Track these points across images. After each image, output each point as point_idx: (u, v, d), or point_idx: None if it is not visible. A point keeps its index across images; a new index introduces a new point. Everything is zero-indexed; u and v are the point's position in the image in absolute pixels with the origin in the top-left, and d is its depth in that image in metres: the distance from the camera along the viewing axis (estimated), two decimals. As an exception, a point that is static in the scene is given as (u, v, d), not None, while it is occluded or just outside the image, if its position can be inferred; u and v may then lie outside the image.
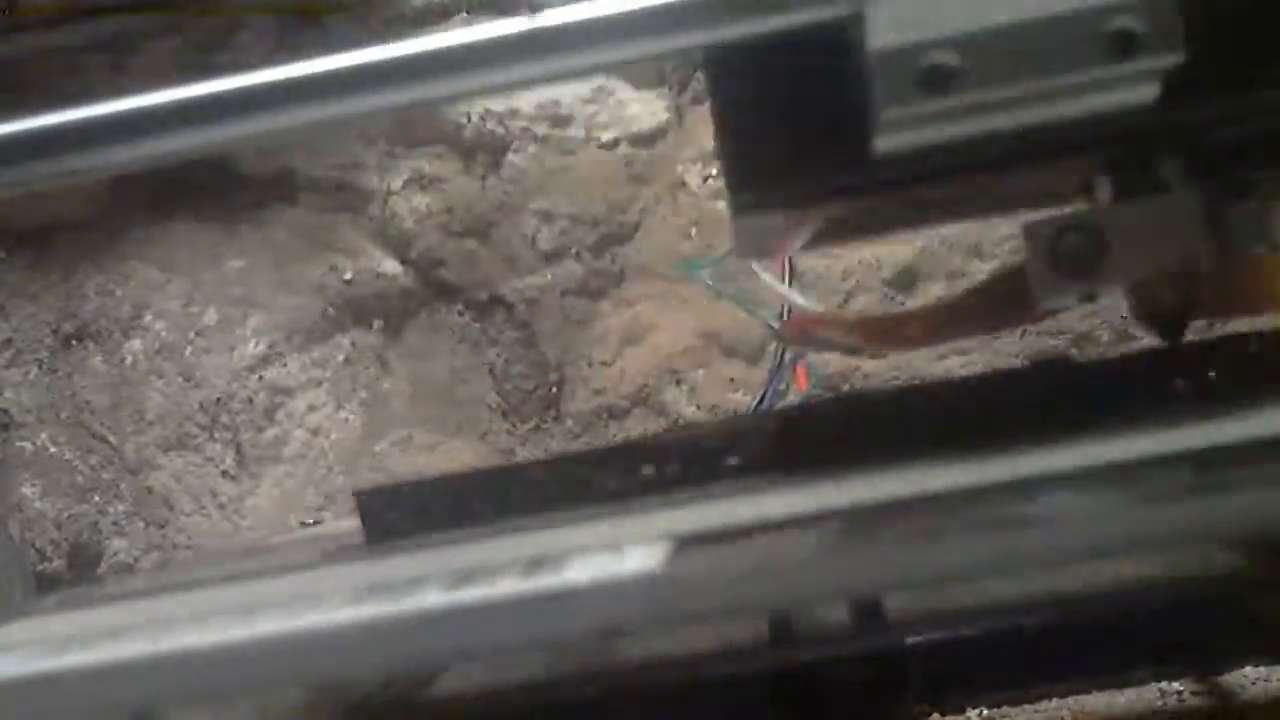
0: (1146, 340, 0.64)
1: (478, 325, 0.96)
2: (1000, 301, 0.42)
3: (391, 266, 0.96)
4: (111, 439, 0.98)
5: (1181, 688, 0.69)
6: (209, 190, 0.96)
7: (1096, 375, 0.40)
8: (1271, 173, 0.35)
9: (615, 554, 0.31)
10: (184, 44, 0.94)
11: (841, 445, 0.40)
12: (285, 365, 0.97)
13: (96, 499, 0.98)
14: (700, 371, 0.92)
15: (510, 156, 0.93)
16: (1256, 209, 0.36)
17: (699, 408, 0.92)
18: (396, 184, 0.95)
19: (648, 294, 0.93)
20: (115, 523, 0.98)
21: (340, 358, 0.97)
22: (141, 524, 0.98)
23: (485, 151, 0.94)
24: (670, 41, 0.32)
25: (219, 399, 0.97)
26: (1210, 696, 0.66)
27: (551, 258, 0.94)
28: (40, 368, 0.98)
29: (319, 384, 0.97)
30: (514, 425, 0.94)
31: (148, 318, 0.98)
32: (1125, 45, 0.29)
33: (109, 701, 0.31)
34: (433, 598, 0.31)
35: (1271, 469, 0.28)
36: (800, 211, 0.36)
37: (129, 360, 0.98)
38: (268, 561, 0.48)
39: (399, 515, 0.44)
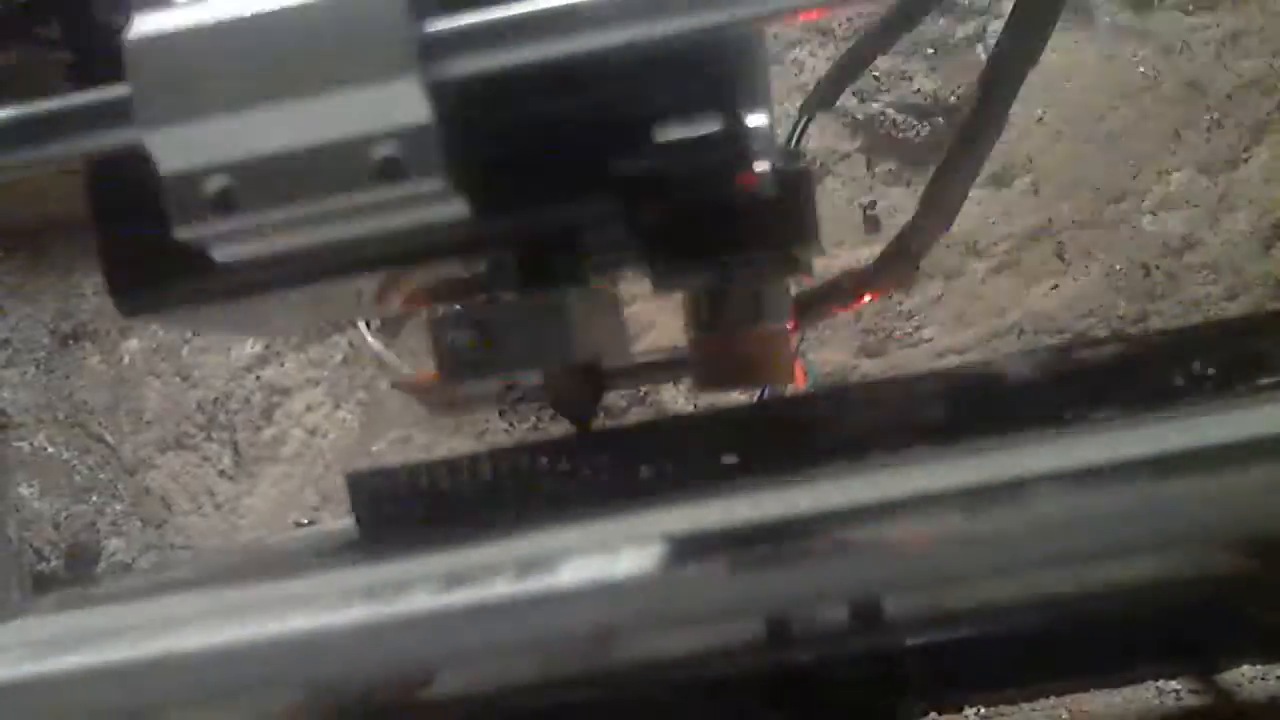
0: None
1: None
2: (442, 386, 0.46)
3: (389, 266, 0.96)
4: (109, 439, 0.98)
5: (1179, 686, 0.69)
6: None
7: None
8: (741, 259, 0.37)
9: (609, 555, 0.31)
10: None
11: (839, 441, 0.40)
12: (283, 365, 0.97)
13: (94, 499, 0.98)
14: (698, 371, 0.92)
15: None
16: (750, 289, 0.39)
17: (696, 408, 0.92)
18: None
19: (645, 293, 0.93)
20: (113, 522, 0.98)
21: (338, 358, 0.97)
22: (139, 523, 0.98)
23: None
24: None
25: (216, 399, 0.97)
26: (1207, 695, 0.66)
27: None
28: (38, 368, 0.98)
29: (316, 384, 0.97)
30: (512, 425, 0.94)
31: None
32: (391, 171, 0.32)
33: (98, 705, 0.31)
34: (424, 600, 0.31)
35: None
36: (183, 311, 0.40)
37: (126, 360, 0.98)
38: (261, 561, 0.48)
39: (392, 501, 0.44)
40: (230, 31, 0.31)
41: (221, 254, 0.34)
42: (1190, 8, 0.89)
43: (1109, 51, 0.89)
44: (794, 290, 0.47)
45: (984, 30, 0.90)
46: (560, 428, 0.97)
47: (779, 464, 0.40)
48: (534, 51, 0.31)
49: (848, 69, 0.61)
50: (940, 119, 0.91)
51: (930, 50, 0.90)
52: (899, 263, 0.48)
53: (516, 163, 0.35)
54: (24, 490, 0.97)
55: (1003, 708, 0.68)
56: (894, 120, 0.91)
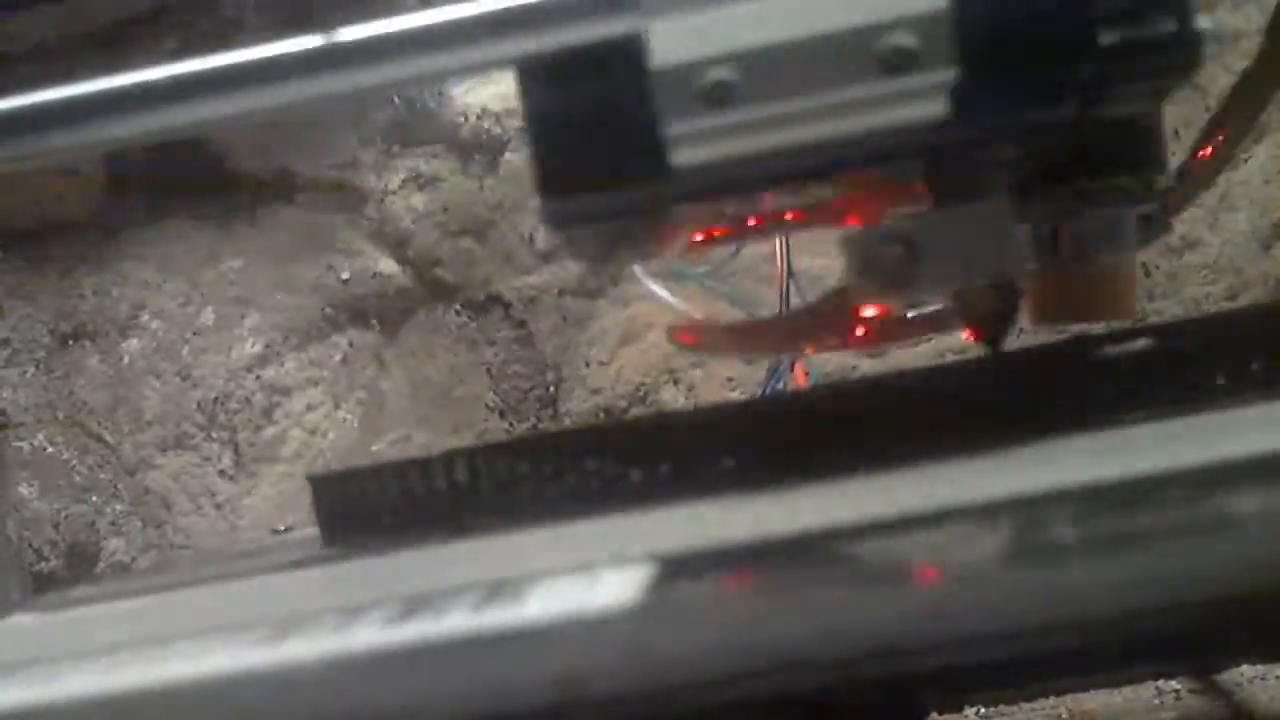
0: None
1: (475, 325, 0.96)
2: (841, 311, 0.43)
3: (389, 266, 0.96)
4: (109, 438, 0.98)
5: (1179, 686, 0.69)
6: (206, 190, 0.96)
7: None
8: (1105, 183, 0.36)
9: (585, 581, 0.27)
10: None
11: (846, 443, 0.39)
12: (283, 365, 0.97)
13: (94, 499, 0.98)
14: (698, 371, 0.92)
15: (508, 156, 0.93)
16: (1104, 215, 0.37)
17: (695, 407, 0.92)
18: (394, 183, 0.95)
19: (645, 293, 0.93)
20: (113, 522, 0.98)
21: (338, 357, 0.97)
22: (139, 523, 0.98)
23: (483, 151, 0.94)
24: (481, 54, 0.33)
25: (216, 398, 0.97)
26: (1207, 695, 0.66)
27: (549, 257, 0.94)
28: (37, 367, 0.98)
29: (316, 383, 0.97)
30: (511, 425, 0.94)
31: (145, 317, 0.98)
32: (899, 62, 0.30)
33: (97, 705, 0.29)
34: (366, 635, 0.27)
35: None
36: (610, 224, 0.38)
37: (126, 360, 0.98)
38: (217, 576, 0.44)
39: (358, 506, 0.42)
40: None
41: (687, 156, 0.32)
42: (1195, 11, 0.89)
43: (1109, 51, 0.89)
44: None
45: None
46: (558, 428, 0.97)
47: (781, 469, 0.38)
48: None
49: None
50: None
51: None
52: (1155, 224, 0.45)
53: (1011, 62, 0.32)
54: (24, 490, 0.97)
55: (1003, 707, 0.68)
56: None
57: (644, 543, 0.30)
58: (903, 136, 0.32)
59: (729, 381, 0.91)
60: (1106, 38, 0.32)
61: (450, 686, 0.26)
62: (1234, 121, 0.44)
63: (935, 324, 0.47)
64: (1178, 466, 0.27)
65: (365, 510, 0.42)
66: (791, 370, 0.61)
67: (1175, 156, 0.86)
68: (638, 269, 0.64)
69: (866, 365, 0.92)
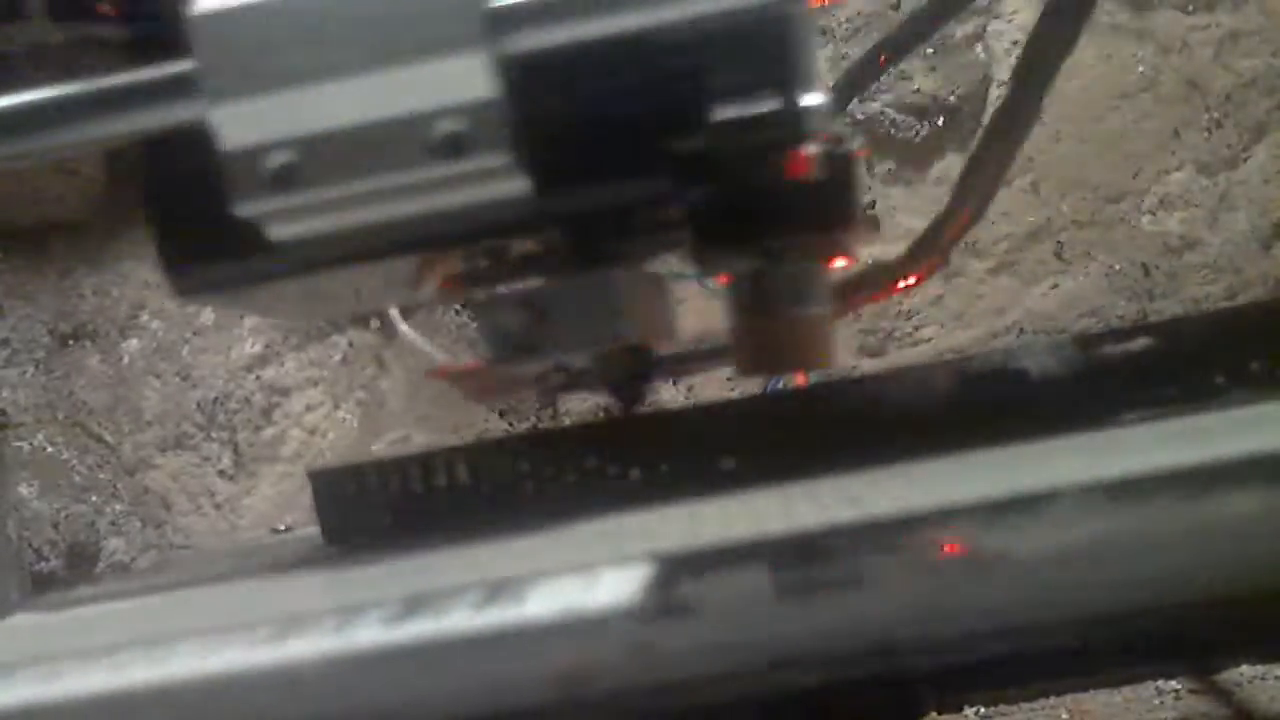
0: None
1: (475, 324, 0.96)
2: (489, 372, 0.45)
3: (389, 266, 0.96)
4: (109, 438, 0.98)
5: (1179, 686, 0.69)
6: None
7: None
8: (785, 241, 0.37)
9: (586, 579, 0.27)
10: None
11: (844, 441, 0.40)
12: (282, 365, 0.97)
13: (94, 498, 0.98)
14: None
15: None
16: (794, 271, 0.39)
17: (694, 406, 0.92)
18: (394, 183, 0.95)
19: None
20: (113, 522, 0.98)
21: (337, 357, 0.97)
22: (139, 523, 0.98)
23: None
24: (62, 138, 0.33)
25: (216, 398, 0.97)
26: (1207, 695, 0.66)
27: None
28: (37, 367, 0.98)
29: (316, 383, 0.97)
30: (511, 425, 0.94)
31: (145, 317, 0.98)
32: (456, 147, 0.31)
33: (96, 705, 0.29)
34: (368, 634, 0.27)
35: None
36: (234, 292, 0.39)
37: (126, 360, 0.98)
38: (222, 572, 0.45)
39: (359, 502, 0.43)
40: (295, 5, 0.31)
41: (278, 232, 0.33)
42: (1189, 8, 0.89)
43: (1108, 51, 0.89)
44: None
45: (984, 30, 0.90)
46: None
47: (781, 468, 0.38)
48: (600, 26, 0.31)
49: (864, 72, 0.61)
50: (940, 119, 0.90)
51: (929, 50, 0.90)
52: (929, 252, 0.48)
53: (575, 141, 0.34)
54: (24, 490, 0.97)
55: (1003, 707, 0.68)
56: (893, 120, 0.91)
57: (644, 541, 0.30)
58: (487, 213, 0.33)
59: (728, 382, 0.91)
60: (711, 114, 0.33)
61: (452, 685, 0.26)
62: (995, 161, 0.46)
63: (582, 383, 0.49)
64: (1175, 465, 0.27)
65: (365, 507, 0.43)
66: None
67: (1175, 156, 0.86)
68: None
69: (868, 366, 0.92)
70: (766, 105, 0.34)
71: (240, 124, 0.32)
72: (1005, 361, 0.41)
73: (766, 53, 0.34)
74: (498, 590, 0.27)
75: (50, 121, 0.33)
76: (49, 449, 0.98)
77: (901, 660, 0.25)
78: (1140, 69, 0.89)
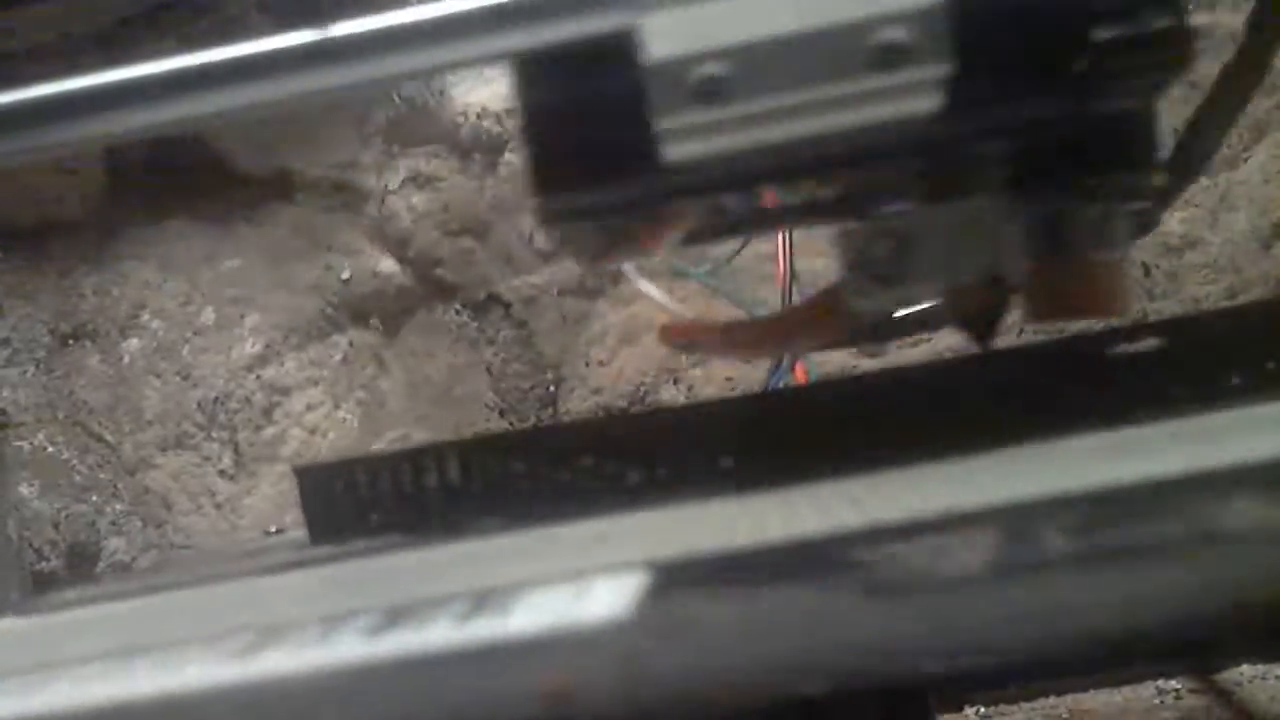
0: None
1: (475, 324, 0.96)
2: (837, 310, 0.42)
3: (389, 266, 0.96)
4: (109, 438, 0.98)
5: (1179, 686, 0.69)
6: (206, 189, 0.96)
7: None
8: (1101, 179, 0.36)
9: (576, 590, 0.26)
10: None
11: (847, 442, 0.39)
12: (283, 364, 0.97)
13: (94, 498, 0.98)
14: (698, 371, 0.92)
15: (507, 156, 0.93)
16: (1097, 213, 0.37)
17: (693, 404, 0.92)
18: (394, 183, 0.95)
19: (645, 293, 0.93)
20: (113, 522, 0.98)
21: (338, 357, 0.97)
22: (139, 523, 0.98)
23: (482, 151, 0.94)
24: (475, 49, 0.32)
25: (217, 398, 0.97)
26: (1207, 695, 0.66)
27: (549, 257, 0.94)
28: (37, 367, 0.98)
29: (316, 383, 0.97)
30: (511, 424, 0.94)
31: (145, 317, 0.98)
32: (893, 57, 0.30)
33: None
34: (347, 647, 0.25)
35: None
36: (604, 220, 0.37)
37: (126, 359, 0.98)
38: (208, 576, 0.43)
39: (346, 501, 0.41)
40: None
41: (679, 152, 0.32)
42: (1189, 7, 0.89)
43: (1109, 51, 0.89)
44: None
45: None
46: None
47: (782, 470, 0.37)
48: None
49: None
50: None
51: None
52: (1149, 213, 0.45)
53: (1009, 56, 0.32)
54: (24, 490, 0.97)
55: (1003, 707, 0.68)
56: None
57: (639, 546, 0.29)
58: (897, 132, 0.32)
59: (728, 381, 0.91)
60: (1101, 33, 0.32)
61: (433, 702, 0.24)
62: (1219, 117, 0.44)
63: (926, 323, 0.47)
64: (1180, 470, 0.27)
65: (353, 505, 0.42)
66: (792, 369, 0.61)
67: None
68: (630, 269, 0.63)
69: (868, 366, 0.92)
70: (1160, 22, 0.33)
71: (670, 34, 0.30)
72: (1001, 363, 0.41)
73: None
74: (483, 601, 0.26)
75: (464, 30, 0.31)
76: (49, 449, 0.98)
77: (903, 672, 0.24)
78: (1140, 69, 0.89)
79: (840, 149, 0.33)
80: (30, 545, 0.97)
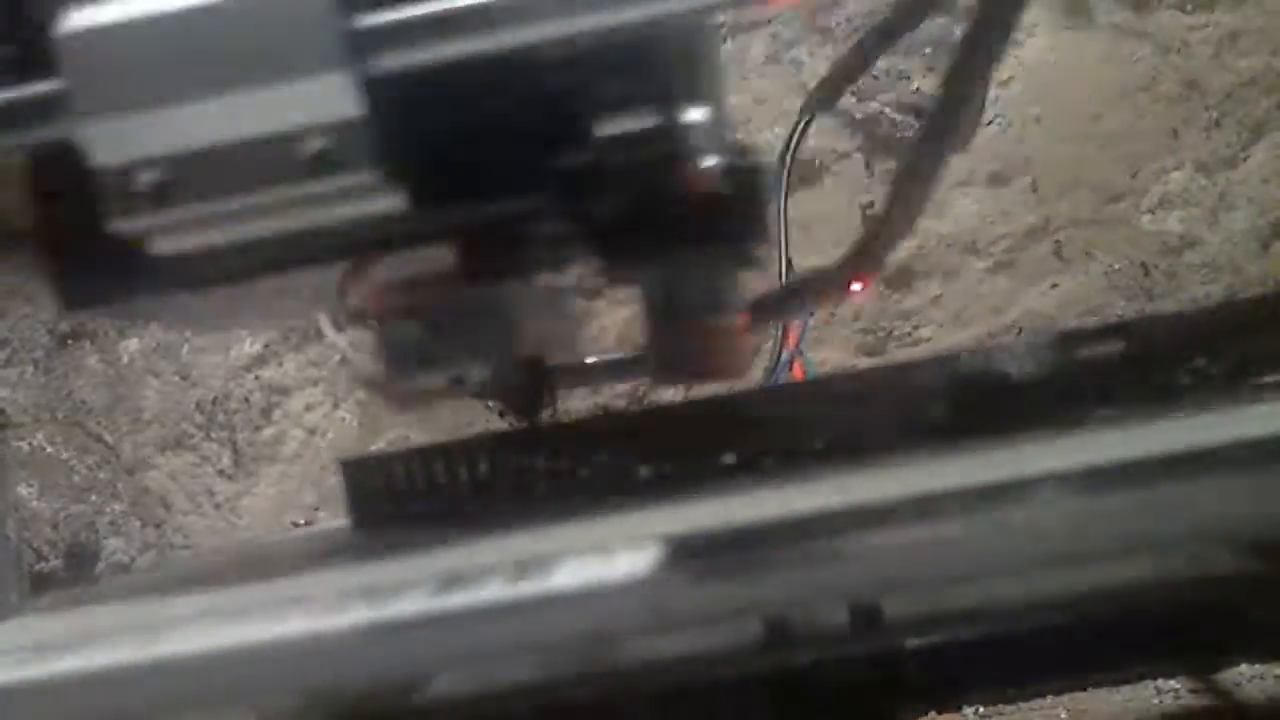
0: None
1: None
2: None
3: (388, 265, 0.96)
4: (108, 438, 0.98)
5: (1178, 686, 0.69)
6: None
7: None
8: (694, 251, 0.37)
9: (604, 557, 0.31)
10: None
11: (840, 436, 0.40)
12: (282, 364, 0.97)
13: (93, 498, 0.98)
14: (697, 370, 0.92)
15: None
16: (702, 282, 0.39)
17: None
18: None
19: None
20: (112, 522, 0.98)
21: (337, 357, 0.97)
22: (138, 523, 0.98)
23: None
24: None
25: (216, 398, 0.97)
26: (1207, 695, 0.66)
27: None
28: (36, 367, 0.98)
29: (316, 383, 0.97)
30: (510, 424, 0.94)
31: (144, 317, 0.98)
32: (323, 164, 0.32)
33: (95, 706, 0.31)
34: (419, 603, 0.30)
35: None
36: (122, 304, 0.40)
37: (125, 360, 0.98)
38: (255, 562, 0.47)
39: (385, 494, 0.44)
40: (162, 25, 0.31)
41: (160, 247, 0.34)
42: (1188, 7, 0.89)
43: (1107, 51, 0.89)
44: (757, 289, 0.46)
45: (983, 29, 0.90)
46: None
47: (778, 462, 0.39)
48: (468, 45, 0.31)
49: (848, 69, 0.60)
50: (939, 118, 0.91)
51: (928, 50, 0.90)
52: (863, 263, 0.46)
53: (455, 156, 0.35)
54: (23, 490, 0.97)
55: (1002, 707, 0.68)
56: (892, 120, 0.91)
57: (651, 526, 0.32)
58: (369, 229, 0.34)
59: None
60: (592, 130, 0.34)
61: (495, 641, 0.30)
62: (926, 161, 0.45)
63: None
64: (1160, 453, 0.29)
65: (393, 495, 0.44)
66: (790, 368, 0.61)
67: (1174, 155, 0.86)
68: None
69: (866, 365, 0.92)
70: (648, 121, 0.34)
71: (109, 142, 0.32)
72: (986, 362, 0.42)
73: (649, 69, 0.34)
74: (525, 568, 0.31)
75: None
76: (48, 449, 0.98)
77: (888, 637, 0.28)
78: (1139, 69, 0.89)
79: (312, 246, 0.35)
80: (30, 545, 0.97)
